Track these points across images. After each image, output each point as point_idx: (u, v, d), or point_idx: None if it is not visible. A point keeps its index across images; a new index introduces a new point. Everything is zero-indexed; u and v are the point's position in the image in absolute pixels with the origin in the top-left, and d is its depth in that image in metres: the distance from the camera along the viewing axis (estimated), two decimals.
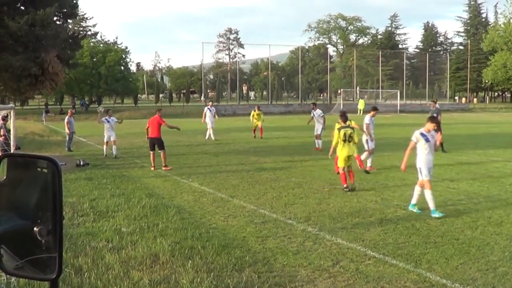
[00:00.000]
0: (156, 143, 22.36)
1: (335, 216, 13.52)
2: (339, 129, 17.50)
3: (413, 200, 14.05)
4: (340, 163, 17.29)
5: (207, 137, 36.58)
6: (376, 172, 21.10)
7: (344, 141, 17.08)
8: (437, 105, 30.19)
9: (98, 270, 9.30)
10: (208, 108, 37.71)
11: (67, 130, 30.50)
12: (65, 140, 31.08)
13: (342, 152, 17.09)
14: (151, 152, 22.47)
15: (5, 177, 2.70)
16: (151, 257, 10.03)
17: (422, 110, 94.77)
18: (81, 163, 23.23)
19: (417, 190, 13.96)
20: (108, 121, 27.50)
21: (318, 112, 30.56)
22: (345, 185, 16.83)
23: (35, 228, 2.48)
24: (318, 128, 30.02)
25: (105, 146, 27.38)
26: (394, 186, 18.00)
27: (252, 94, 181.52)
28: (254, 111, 37.53)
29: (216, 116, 39.01)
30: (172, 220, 13.00)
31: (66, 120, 30.80)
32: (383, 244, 10.94)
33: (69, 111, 33.92)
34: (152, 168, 21.98)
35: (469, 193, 16.71)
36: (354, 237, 11.51)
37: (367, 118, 21.97)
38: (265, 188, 17.71)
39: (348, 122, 26.44)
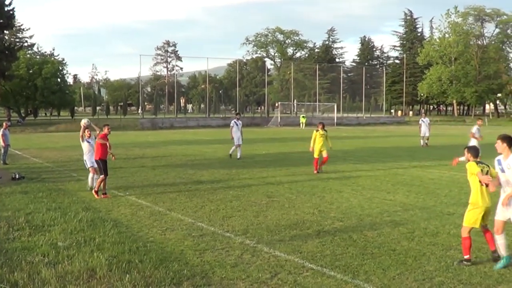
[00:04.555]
0: (101, 165, 18.87)
1: (273, 229, 13.50)
2: (477, 163, 10.54)
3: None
4: (470, 220, 10.52)
5: (235, 153, 32.06)
6: (314, 184, 21.19)
7: (482, 184, 10.38)
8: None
9: (34, 285, 9.14)
10: (235, 122, 32.80)
11: (1, 143, 29.81)
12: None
13: (478, 202, 10.47)
14: (101, 176, 18.88)
15: None
16: (88, 271, 9.86)
17: (358, 123, 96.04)
18: (17, 177, 22.71)
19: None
20: (89, 142, 20.34)
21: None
22: (466, 257, 10.49)
23: None
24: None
25: (91, 174, 20.16)
26: (331, 198, 18.05)
27: (189, 107, 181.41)
28: (317, 131, 25.80)
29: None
30: (109, 234, 12.81)
31: (0, 133, 30.09)
32: (321, 256, 10.95)
33: (4, 123, 33.01)
34: (102, 196, 18.55)
35: (405, 204, 16.88)
36: (292, 249, 11.50)
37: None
38: (203, 201, 17.58)
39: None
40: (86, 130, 20.30)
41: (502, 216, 10.13)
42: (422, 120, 42.55)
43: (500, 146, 10.24)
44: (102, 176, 18.75)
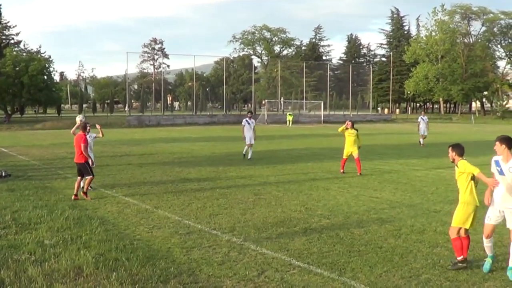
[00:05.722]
0: (82, 169, 17.73)
1: (260, 226, 13.50)
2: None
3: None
4: (460, 220, 10.37)
5: (246, 154, 30.51)
6: (300, 182, 21.20)
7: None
8: None
9: (20, 283, 9.09)
10: (247, 121, 30.96)
11: None
12: None
13: (471, 201, 10.31)
14: (78, 178, 17.93)
15: None
16: (75, 269, 9.82)
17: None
18: (3, 174, 22.51)
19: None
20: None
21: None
22: (460, 258, 10.18)
23: None
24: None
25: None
26: (318, 195, 18.06)
27: (176, 104, 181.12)
28: (346, 129, 24.14)
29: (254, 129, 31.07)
30: (96, 232, 12.76)
31: None
32: (308, 254, 10.96)
33: None
34: (73, 197, 17.47)
35: (392, 202, 16.93)
36: (279, 247, 11.51)
37: None
38: (190, 198, 17.56)
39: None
40: (88, 125, 18.48)
41: (495, 220, 10.04)
42: (421, 118, 41.56)
43: (499, 148, 9.84)
44: (90, 177, 17.77)
